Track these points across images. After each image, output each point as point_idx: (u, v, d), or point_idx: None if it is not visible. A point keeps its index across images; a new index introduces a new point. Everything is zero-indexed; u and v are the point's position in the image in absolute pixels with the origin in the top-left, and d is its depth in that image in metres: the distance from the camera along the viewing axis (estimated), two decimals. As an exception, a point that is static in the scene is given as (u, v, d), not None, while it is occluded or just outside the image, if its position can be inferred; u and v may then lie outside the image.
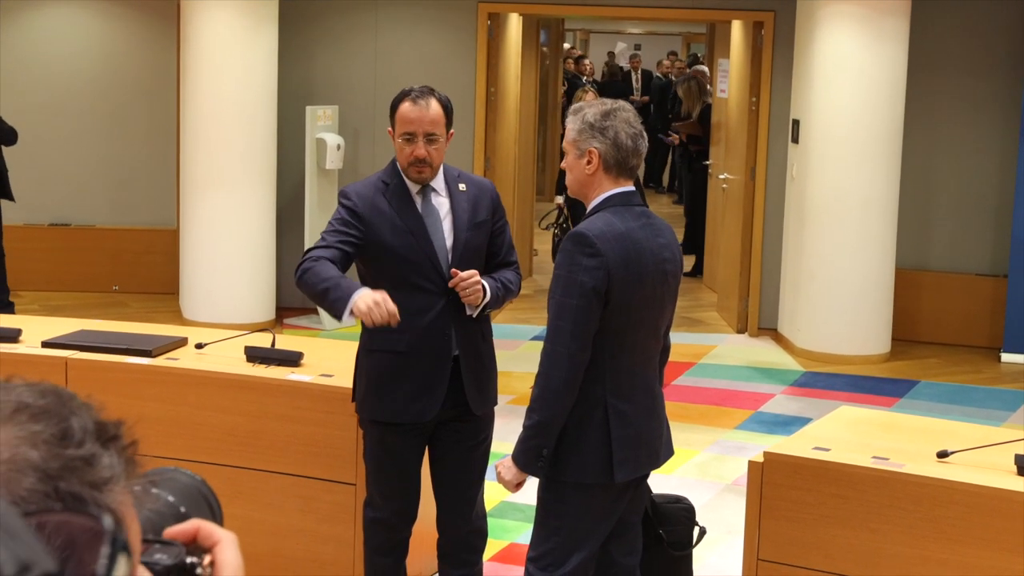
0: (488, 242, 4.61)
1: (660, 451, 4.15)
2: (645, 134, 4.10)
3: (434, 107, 4.50)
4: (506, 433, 5.62)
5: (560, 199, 10.83)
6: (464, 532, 4.71)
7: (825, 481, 4.35)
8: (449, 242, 4.52)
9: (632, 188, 4.07)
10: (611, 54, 23.80)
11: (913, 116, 10.11)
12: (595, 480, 3.99)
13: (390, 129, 4.59)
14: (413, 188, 4.54)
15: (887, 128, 9.83)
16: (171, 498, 1.39)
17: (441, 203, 4.55)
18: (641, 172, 6.11)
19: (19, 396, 1.04)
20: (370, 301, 4.16)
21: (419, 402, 4.50)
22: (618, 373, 3.98)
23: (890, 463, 4.32)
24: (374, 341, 4.53)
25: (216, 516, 1.50)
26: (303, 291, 4.49)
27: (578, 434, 3.97)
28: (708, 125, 12.88)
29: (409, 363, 4.48)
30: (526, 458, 3.98)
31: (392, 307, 4.18)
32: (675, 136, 13.92)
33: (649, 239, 3.99)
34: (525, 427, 3.98)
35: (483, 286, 4.45)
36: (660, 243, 4.02)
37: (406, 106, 4.49)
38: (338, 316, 4.27)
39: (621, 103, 4.14)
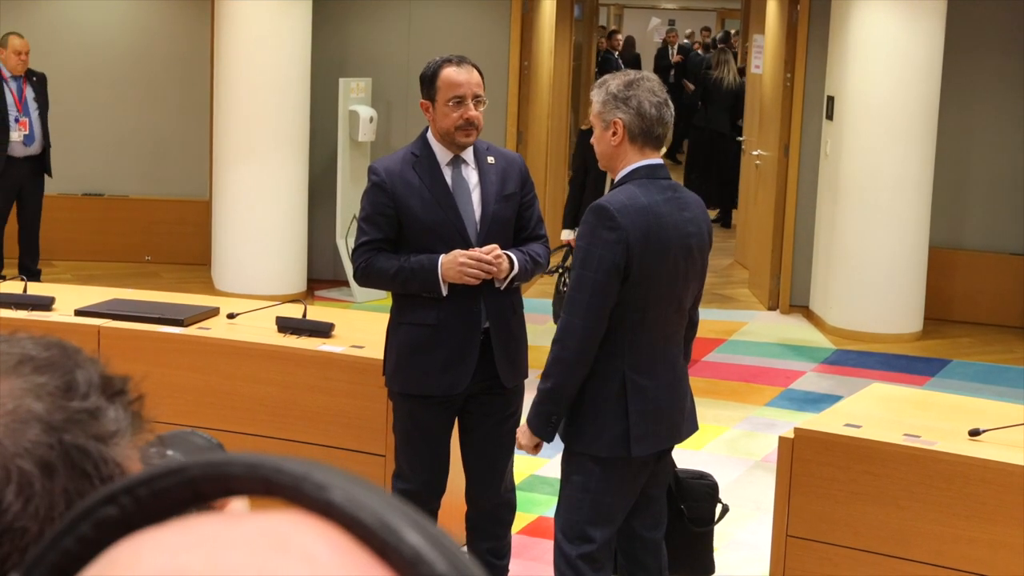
0: (517, 215, 4.61)
1: (682, 426, 4.13)
2: (671, 103, 4.05)
3: (475, 71, 4.56)
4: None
5: (568, 235, 8.06)
6: (493, 505, 4.72)
7: (856, 458, 4.33)
8: (478, 214, 4.52)
9: (659, 161, 4.04)
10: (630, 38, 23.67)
11: (948, 94, 10.03)
12: (612, 454, 3.99)
13: (424, 101, 4.54)
14: (443, 159, 4.53)
15: (922, 105, 9.77)
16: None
17: (470, 175, 4.56)
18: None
19: (23, 348, 1.03)
20: (458, 270, 4.36)
21: (449, 374, 4.51)
22: (638, 347, 3.97)
23: (921, 441, 4.30)
24: (404, 314, 4.56)
25: None
26: (373, 287, 4.66)
27: (597, 408, 3.98)
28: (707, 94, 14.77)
29: (439, 336, 4.49)
30: (538, 422, 4.03)
31: (476, 254, 4.38)
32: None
33: (673, 213, 3.96)
34: (538, 391, 4.02)
35: (510, 258, 4.46)
36: (685, 217, 3.99)
37: (451, 71, 4.50)
38: (436, 293, 4.43)
39: (645, 73, 4.14)
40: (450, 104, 4.47)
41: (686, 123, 16.11)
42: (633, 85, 4.00)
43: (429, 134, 4.58)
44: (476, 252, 4.42)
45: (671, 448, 4.22)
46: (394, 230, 4.50)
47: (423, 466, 4.65)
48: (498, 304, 4.53)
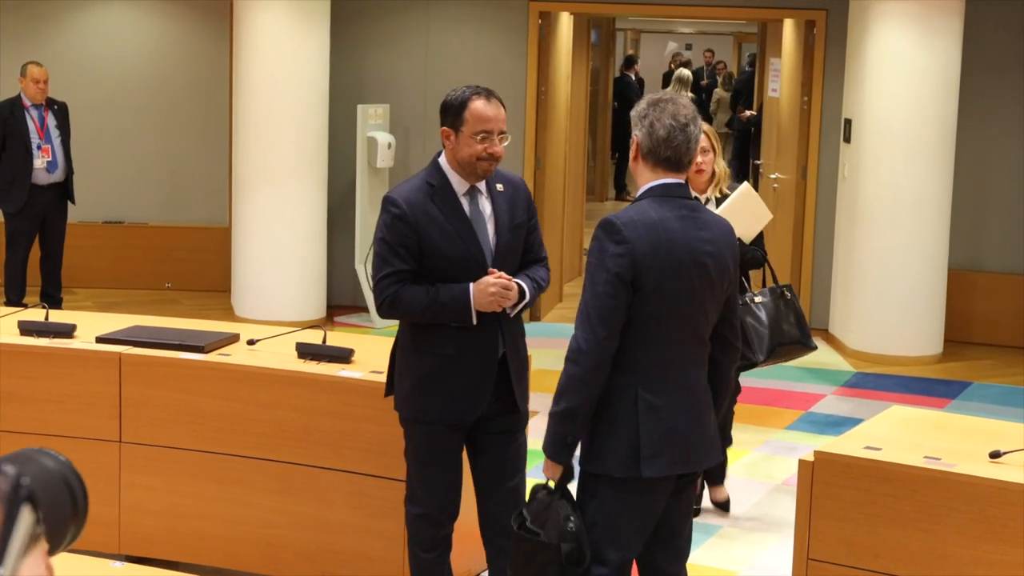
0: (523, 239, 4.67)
1: (701, 453, 4.03)
2: (690, 128, 3.99)
3: (502, 107, 4.58)
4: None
5: None
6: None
7: (876, 481, 4.32)
8: (492, 244, 4.56)
9: (675, 181, 4.00)
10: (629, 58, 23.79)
11: (966, 115, 10.03)
12: (623, 474, 3.92)
13: (447, 128, 4.55)
14: (460, 190, 4.54)
15: (940, 127, 9.77)
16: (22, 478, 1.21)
17: (485, 205, 4.58)
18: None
19: None
20: (488, 298, 4.42)
21: (466, 401, 4.53)
22: (650, 366, 3.93)
23: (942, 463, 4.29)
24: (422, 343, 4.56)
25: (78, 505, 1.41)
26: (398, 318, 4.59)
27: (609, 427, 3.94)
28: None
29: (458, 364, 4.51)
30: (554, 447, 3.97)
31: (502, 281, 4.42)
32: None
33: (687, 230, 3.92)
34: (551, 415, 3.96)
35: (520, 286, 4.52)
36: (702, 236, 3.95)
37: (481, 104, 4.51)
38: (467, 322, 4.46)
39: (673, 96, 4.11)
40: (476, 137, 4.49)
41: (742, 157, 15.35)
42: (655, 105, 4.01)
43: (443, 162, 4.57)
44: (504, 279, 4.46)
45: (693, 477, 4.13)
46: (416, 261, 4.49)
47: (436, 490, 4.65)
48: (512, 330, 4.59)
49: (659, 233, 3.88)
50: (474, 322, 4.45)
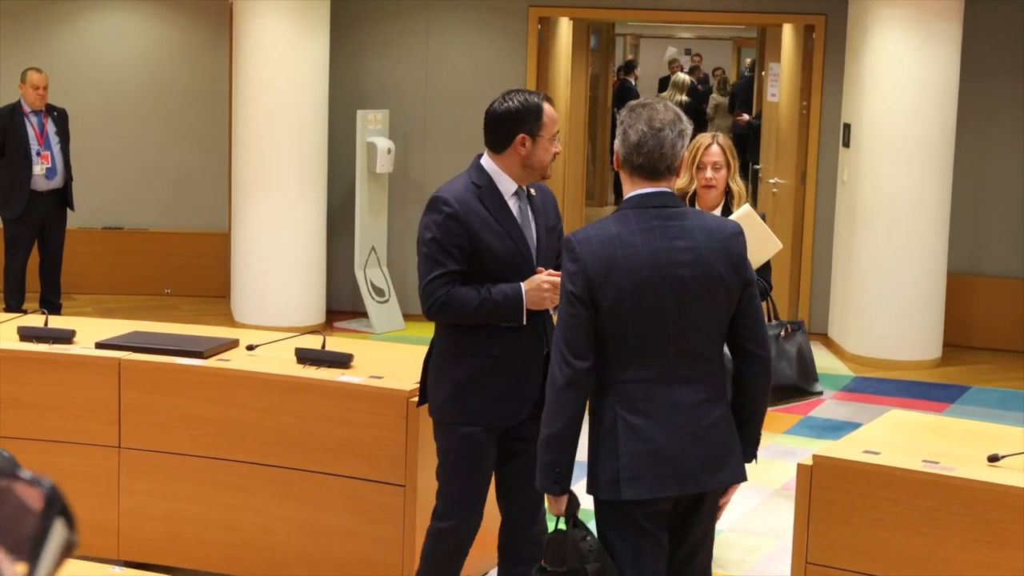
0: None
1: (701, 473, 3.79)
2: (664, 133, 3.81)
3: None
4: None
5: None
6: (535, 531, 4.71)
7: (875, 485, 4.33)
8: (534, 245, 4.58)
9: (652, 190, 3.82)
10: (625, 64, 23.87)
11: (965, 119, 10.04)
12: (607, 496, 3.79)
13: (524, 135, 4.49)
14: (507, 191, 4.54)
15: (939, 131, 9.78)
16: None
17: (526, 207, 4.60)
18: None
19: None
20: (539, 294, 4.43)
21: (511, 404, 4.51)
22: (627, 385, 3.76)
23: (940, 467, 4.30)
24: (465, 345, 4.51)
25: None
26: (448, 320, 4.50)
27: (594, 448, 3.82)
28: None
29: (503, 365, 4.49)
30: (541, 476, 3.82)
31: (554, 278, 4.36)
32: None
33: (652, 242, 3.74)
34: (538, 444, 3.83)
35: None
36: (675, 246, 3.75)
37: (550, 108, 4.59)
38: (518, 321, 4.46)
39: (653, 101, 3.93)
40: (552, 139, 4.54)
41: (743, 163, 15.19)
42: (632, 111, 3.88)
43: (488, 165, 4.55)
44: (556, 276, 4.42)
45: (696, 501, 3.89)
46: (467, 261, 4.46)
47: (475, 500, 4.60)
48: (551, 330, 4.59)
49: (615, 248, 3.73)
50: (524, 321, 4.44)
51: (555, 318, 4.36)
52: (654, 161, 3.81)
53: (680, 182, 5.36)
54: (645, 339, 3.76)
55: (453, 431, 4.56)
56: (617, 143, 3.90)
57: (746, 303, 3.86)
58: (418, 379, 4.77)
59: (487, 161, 4.57)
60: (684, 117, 3.94)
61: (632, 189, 3.86)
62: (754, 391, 3.96)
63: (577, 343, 3.73)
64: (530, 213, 4.61)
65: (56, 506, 0.95)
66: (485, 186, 4.52)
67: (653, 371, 3.78)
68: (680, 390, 3.79)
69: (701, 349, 3.82)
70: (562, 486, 3.83)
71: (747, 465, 3.98)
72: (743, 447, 3.95)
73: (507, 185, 4.55)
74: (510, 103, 4.53)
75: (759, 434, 4.07)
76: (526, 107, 4.53)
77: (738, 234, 3.89)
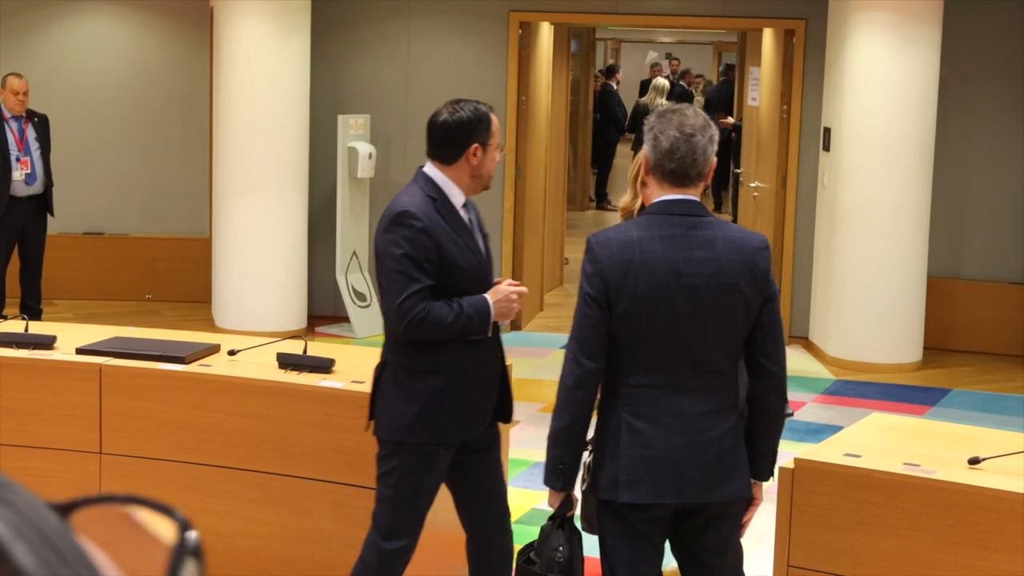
0: None
1: (704, 485, 3.81)
2: (696, 139, 3.81)
3: None
4: (538, 441, 5.62)
5: None
6: (506, 539, 4.71)
7: (856, 487, 4.34)
8: (483, 255, 4.57)
9: (678, 197, 3.83)
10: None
11: (945, 123, 10.08)
12: (605, 497, 3.83)
13: (478, 144, 4.44)
14: (457, 202, 4.48)
15: (919, 135, 9.81)
16: None
17: (473, 218, 4.59)
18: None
19: None
20: (507, 305, 4.41)
21: (476, 418, 4.49)
22: (634, 389, 3.80)
23: (921, 469, 4.31)
24: (432, 362, 4.42)
25: None
26: (422, 338, 4.36)
27: (598, 448, 3.87)
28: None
29: (469, 380, 4.45)
30: (547, 471, 3.89)
31: (521, 288, 4.43)
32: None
33: (672, 250, 3.77)
34: (546, 439, 3.90)
35: None
36: (695, 256, 3.77)
37: (494, 116, 4.52)
38: (485, 334, 4.43)
39: (682, 107, 3.93)
40: (498, 148, 4.50)
41: (722, 165, 14.69)
42: (662, 117, 3.87)
43: (437, 176, 4.46)
44: (519, 286, 4.45)
45: (701, 508, 3.90)
46: (436, 276, 4.37)
47: (423, 517, 4.57)
48: (503, 342, 4.61)
49: (634, 253, 3.76)
50: (489, 334, 4.42)
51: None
52: (686, 167, 3.82)
53: (624, 199, 5.27)
54: (656, 346, 3.78)
55: (417, 450, 4.45)
56: (647, 148, 3.87)
57: (765, 318, 3.90)
58: None
59: (434, 172, 4.46)
60: (712, 123, 3.94)
61: (660, 195, 3.86)
62: (767, 407, 3.96)
63: (589, 343, 3.77)
64: (475, 223, 4.59)
65: (187, 547, 0.92)
66: (440, 198, 4.43)
67: (662, 378, 3.80)
68: (688, 399, 3.81)
69: (713, 360, 3.83)
70: (564, 483, 3.89)
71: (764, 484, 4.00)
72: (756, 464, 3.95)
73: (457, 197, 4.47)
74: (462, 112, 4.43)
75: (775, 453, 4.05)
76: (478, 116, 4.45)
77: (763, 248, 3.94)
